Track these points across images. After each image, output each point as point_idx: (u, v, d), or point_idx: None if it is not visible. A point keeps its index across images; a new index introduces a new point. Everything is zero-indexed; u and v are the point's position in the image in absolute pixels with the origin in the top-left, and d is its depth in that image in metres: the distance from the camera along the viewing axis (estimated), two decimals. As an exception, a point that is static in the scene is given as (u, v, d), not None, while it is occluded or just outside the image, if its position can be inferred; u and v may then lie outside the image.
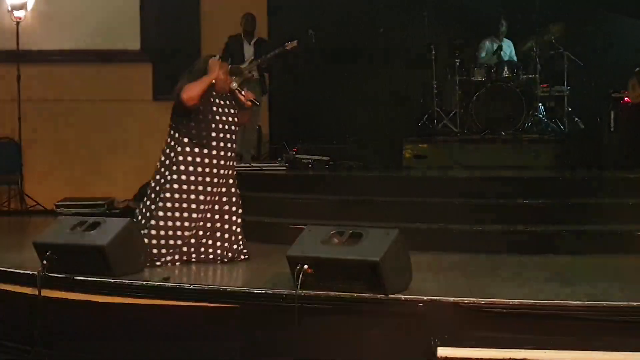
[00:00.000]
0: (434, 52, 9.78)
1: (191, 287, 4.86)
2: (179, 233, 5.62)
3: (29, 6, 9.59)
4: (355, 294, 4.49)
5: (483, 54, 10.06)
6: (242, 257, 5.89)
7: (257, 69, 8.89)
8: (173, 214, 5.59)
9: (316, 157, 8.95)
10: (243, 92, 5.96)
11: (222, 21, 9.47)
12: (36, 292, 4.94)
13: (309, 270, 4.55)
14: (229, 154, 5.86)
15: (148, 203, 5.75)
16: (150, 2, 9.90)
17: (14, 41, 9.39)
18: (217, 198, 5.80)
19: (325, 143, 9.60)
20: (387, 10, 10.38)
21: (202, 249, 5.77)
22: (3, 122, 9.61)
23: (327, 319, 4.50)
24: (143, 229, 5.60)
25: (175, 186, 5.60)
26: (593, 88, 9.58)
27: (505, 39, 10.10)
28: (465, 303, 4.35)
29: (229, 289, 4.83)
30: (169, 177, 5.63)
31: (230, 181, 5.90)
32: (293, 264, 4.64)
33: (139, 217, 5.77)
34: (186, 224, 5.63)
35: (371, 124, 10.25)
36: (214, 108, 5.79)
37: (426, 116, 9.77)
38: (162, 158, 5.78)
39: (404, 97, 10.56)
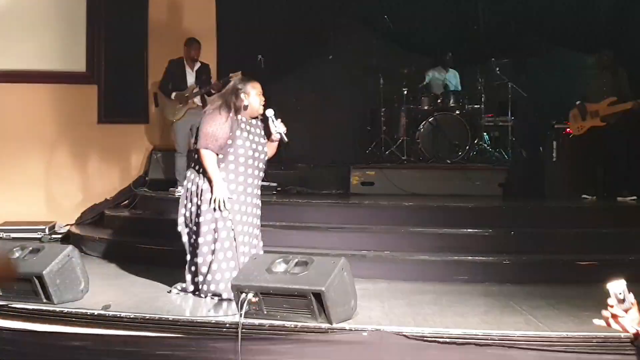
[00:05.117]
0: (381, 80, 9.88)
1: (131, 315, 4.76)
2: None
3: (-28, 26, 9.39)
4: (299, 323, 4.47)
5: (429, 83, 10.20)
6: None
7: (201, 98, 8.68)
8: (209, 247, 5.34)
9: (263, 183, 8.90)
10: (275, 123, 5.54)
11: (170, 44, 9.34)
12: (-28, 321, 4.81)
13: (254, 300, 4.52)
14: (256, 181, 5.58)
15: (187, 231, 5.49)
16: (97, 24, 9.76)
17: (-45, 60, 9.19)
18: (249, 229, 5.51)
19: (272, 169, 9.55)
20: (336, 38, 10.44)
21: None
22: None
23: (271, 348, 4.45)
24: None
25: (209, 216, 5.32)
26: (536, 118, 9.76)
27: (450, 70, 10.28)
28: (409, 333, 4.36)
29: (170, 317, 4.74)
30: (200, 205, 5.36)
31: (257, 216, 5.65)
32: (237, 292, 4.60)
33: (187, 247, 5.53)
34: (225, 255, 5.33)
35: (319, 150, 10.26)
36: (244, 132, 5.43)
37: (374, 143, 9.84)
38: (187, 184, 5.49)
39: (351, 124, 10.62)
